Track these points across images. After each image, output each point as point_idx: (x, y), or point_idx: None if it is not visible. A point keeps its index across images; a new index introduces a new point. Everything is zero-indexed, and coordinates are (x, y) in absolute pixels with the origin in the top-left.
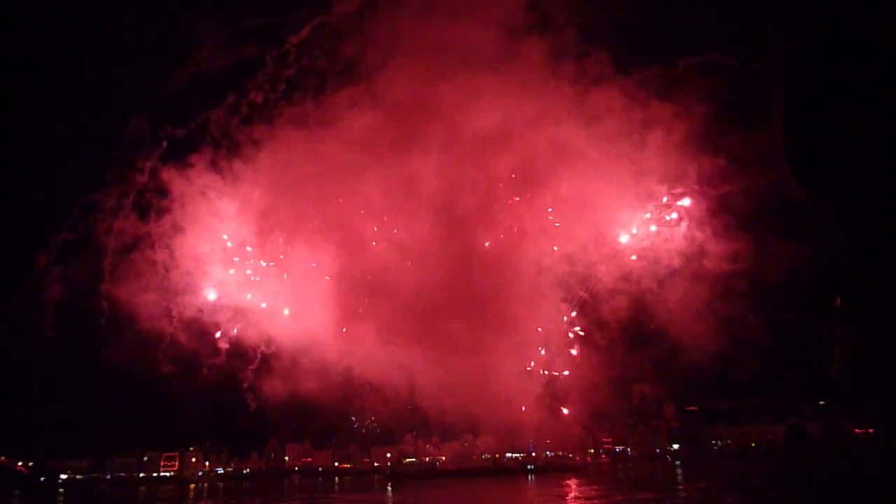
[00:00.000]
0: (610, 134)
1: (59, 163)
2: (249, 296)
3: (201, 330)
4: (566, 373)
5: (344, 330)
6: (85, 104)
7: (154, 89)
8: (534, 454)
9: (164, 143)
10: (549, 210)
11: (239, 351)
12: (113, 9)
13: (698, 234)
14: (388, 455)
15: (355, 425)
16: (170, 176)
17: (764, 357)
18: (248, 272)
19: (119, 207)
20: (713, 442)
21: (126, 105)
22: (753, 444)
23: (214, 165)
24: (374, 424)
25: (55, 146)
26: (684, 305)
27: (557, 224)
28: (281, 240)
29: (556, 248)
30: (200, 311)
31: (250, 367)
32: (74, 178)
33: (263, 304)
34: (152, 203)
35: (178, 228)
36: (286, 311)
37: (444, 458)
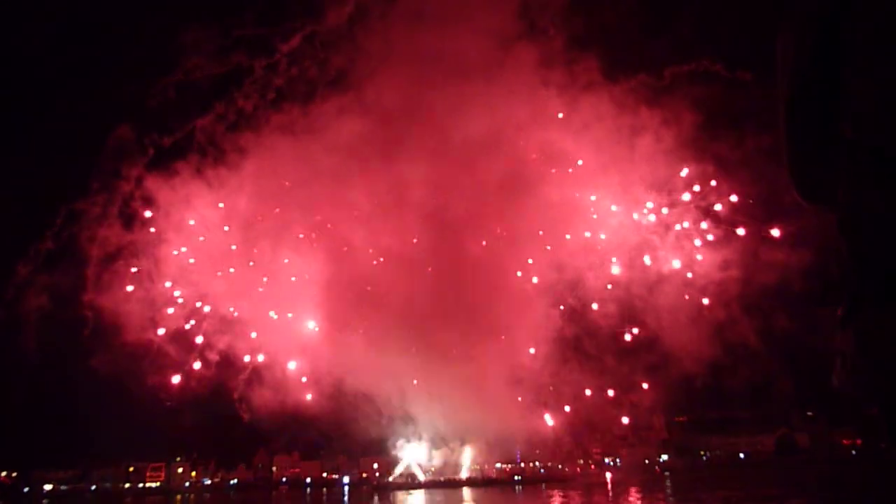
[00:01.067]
0: (598, 142)
1: (42, 170)
2: (236, 306)
3: (189, 340)
4: (556, 381)
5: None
6: (70, 111)
7: (141, 97)
8: (521, 465)
9: (151, 151)
10: (538, 217)
11: (227, 361)
12: (100, 15)
13: (687, 243)
14: (375, 466)
15: (343, 437)
16: (156, 184)
17: (756, 366)
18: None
19: (103, 216)
20: (702, 452)
21: (112, 112)
22: (742, 455)
23: (201, 174)
24: (366, 434)
25: (38, 153)
26: (674, 313)
27: (542, 232)
28: (269, 248)
29: (548, 247)
30: (187, 320)
31: (240, 377)
32: (58, 186)
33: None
34: (138, 211)
35: (163, 237)
36: (275, 318)
37: (433, 469)
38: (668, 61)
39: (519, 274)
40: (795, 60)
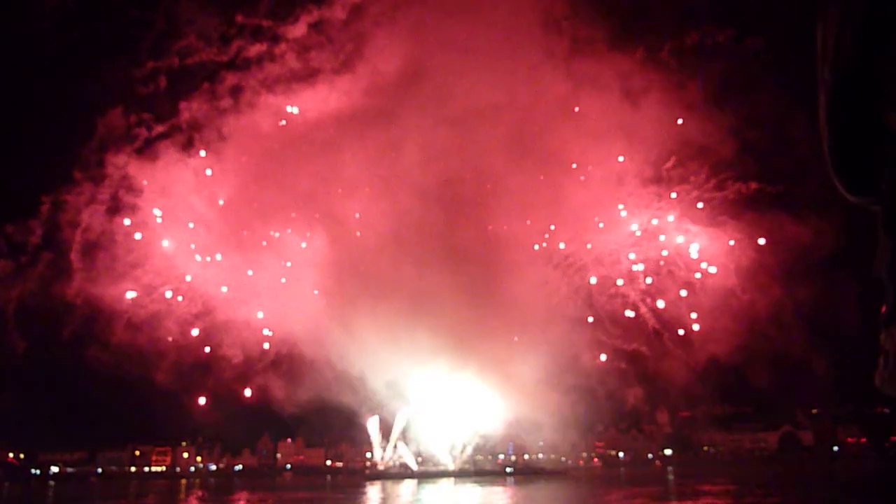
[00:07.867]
0: (603, 112)
1: (30, 157)
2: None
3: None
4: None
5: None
6: (59, 95)
7: (132, 81)
8: (513, 457)
9: (144, 137)
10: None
11: (238, 351)
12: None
13: (693, 226)
14: (368, 455)
15: (358, 419)
16: (150, 171)
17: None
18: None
19: (93, 202)
20: (705, 448)
21: (102, 96)
22: (745, 451)
23: (201, 159)
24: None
25: (26, 139)
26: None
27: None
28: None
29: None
30: (195, 311)
31: (255, 367)
32: (44, 173)
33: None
34: (131, 200)
35: (164, 226)
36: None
37: (434, 459)
38: (678, 29)
39: (536, 247)
40: (837, 47)
